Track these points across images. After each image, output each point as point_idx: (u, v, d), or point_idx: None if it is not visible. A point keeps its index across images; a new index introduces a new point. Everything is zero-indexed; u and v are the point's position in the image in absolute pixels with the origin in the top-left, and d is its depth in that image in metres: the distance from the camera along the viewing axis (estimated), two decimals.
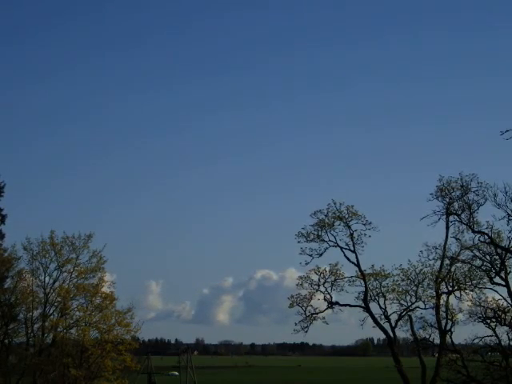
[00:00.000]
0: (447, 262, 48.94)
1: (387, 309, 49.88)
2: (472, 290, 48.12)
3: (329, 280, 49.79)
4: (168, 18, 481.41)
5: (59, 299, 59.26)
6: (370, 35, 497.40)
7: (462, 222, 48.09)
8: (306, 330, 50.00)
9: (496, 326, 46.70)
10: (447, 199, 48.35)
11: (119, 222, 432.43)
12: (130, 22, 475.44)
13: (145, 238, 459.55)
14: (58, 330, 59.07)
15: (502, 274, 46.66)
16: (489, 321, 46.72)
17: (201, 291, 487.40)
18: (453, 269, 49.01)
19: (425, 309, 49.40)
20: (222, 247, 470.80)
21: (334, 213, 49.67)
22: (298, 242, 49.88)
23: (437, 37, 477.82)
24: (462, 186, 47.85)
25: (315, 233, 49.65)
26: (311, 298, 49.85)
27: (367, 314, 50.11)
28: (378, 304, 49.82)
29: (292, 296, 50.02)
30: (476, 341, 46.89)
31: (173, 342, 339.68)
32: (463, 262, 48.59)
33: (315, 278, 49.88)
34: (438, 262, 48.90)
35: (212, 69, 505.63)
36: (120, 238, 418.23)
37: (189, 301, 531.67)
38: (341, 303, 50.70)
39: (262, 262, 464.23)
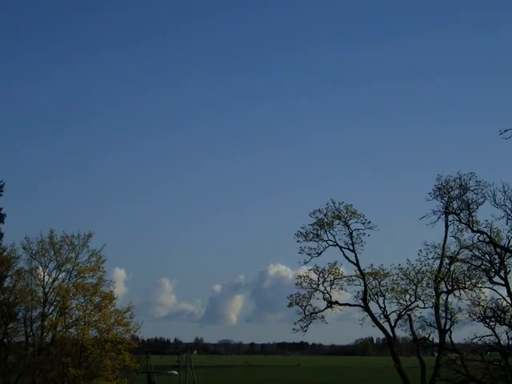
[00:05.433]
0: (446, 261, 48.91)
1: (386, 308, 49.84)
2: (471, 290, 48.07)
3: (328, 279, 49.78)
4: (168, 17, 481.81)
5: (58, 298, 59.32)
6: (369, 35, 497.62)
7: (461, 221, 48.08)
8: (305, 329, 50.00)
9: (495, 325, 46.72)
10: (446, 198, 48.38)
11: (128, 220, 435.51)
12: (129, 22, 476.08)
13: (157, 237, 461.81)
14: (58, 329, 59.13)
15: (502, 274, 46.66)
16: (488, 320, 46.70)
17: (213, 289, 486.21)
18: (452, 268, 48.97)
19: (424, 308, 49.38)
20: (234, 245, 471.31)
21: (333, 212, 49.63)
22: (298, 241, 49.88)
23: (437, 37, 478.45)
24: (460, 185, 47.87)
25: (314, 232, 49.65)
26: (310, 298, 49.85)
27: (366, 314, 50.08)
28: (378, 303, 49.77)
29: (291, 295, 50.04)
30: (475, 340, 46.83)
31: (172, 341, 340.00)
32: (462, 261, 48.57)
33: (314, 277, 49.89)
34: (438, 262, 48.88)
35: (212, 69, 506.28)
36: (132, 237, 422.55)
37: (200, 299, 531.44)
38: (340, 302, 50.69)
39: (278, 258, 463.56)
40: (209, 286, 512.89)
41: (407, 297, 49.28)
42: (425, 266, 48.83)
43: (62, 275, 60.14)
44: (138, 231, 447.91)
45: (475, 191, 47.33)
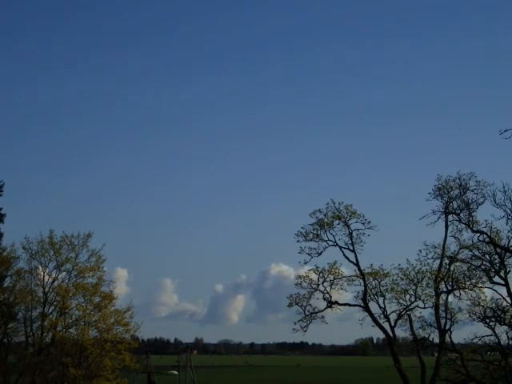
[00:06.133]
0: (446, 261, 48.92)
1: (386, 308, 49.84)
2: (471, 290, 48.09)
3: (328, 279, 49.76)
4: (168, 17, 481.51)
5: (58, 298, 59.32)
6: (368, 35, 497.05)
7: (461, 221, 48.08)
8: (305, 329, 49.99)
9: (495, 325, 46.73)
10: (446, 198, 48.40)
11: (129, 220, 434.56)
12: (129, 22, 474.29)
13: (158, 237, 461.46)
14: (57, 329, 59.13)
15: (502, 274, 46.67)
16: (488, 320, 46.72)
17: (214, 289, 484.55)
18: (452, 268, 49.00)
19: (424, 308, 49.39)
20: (236, 244, 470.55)
21: (333, 212, 49.64)
22: (298, 241, 49.87)
23: (437, 37, 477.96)
24: (460, 185, 47.88)
25: (314, 232, 49.64)
26: (310, 298, 49.84)
27: (366, 314, 50.08)
28: (378, 303, 49.79)
29: (291, 295, 50.04)
30: (475, 340, 46.85)
31: (172, 341, 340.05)
32: (462, 261, 48.59)
33: (314, 277, 49.87)
34: (437, 262, 48.91)
35: (212, 68, 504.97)
36: (133, 237, 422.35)
37: (202, 299, 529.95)
38: (340, 302, 50.69)
39: (280, 257, 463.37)
40: (210, 285, 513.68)
41: (407, 297, 49.33)
42: (425, 266, 48.90)
43: (62, 275, 60.25)
44: (139, 231, 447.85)
45: (475, 191, 47.39)
